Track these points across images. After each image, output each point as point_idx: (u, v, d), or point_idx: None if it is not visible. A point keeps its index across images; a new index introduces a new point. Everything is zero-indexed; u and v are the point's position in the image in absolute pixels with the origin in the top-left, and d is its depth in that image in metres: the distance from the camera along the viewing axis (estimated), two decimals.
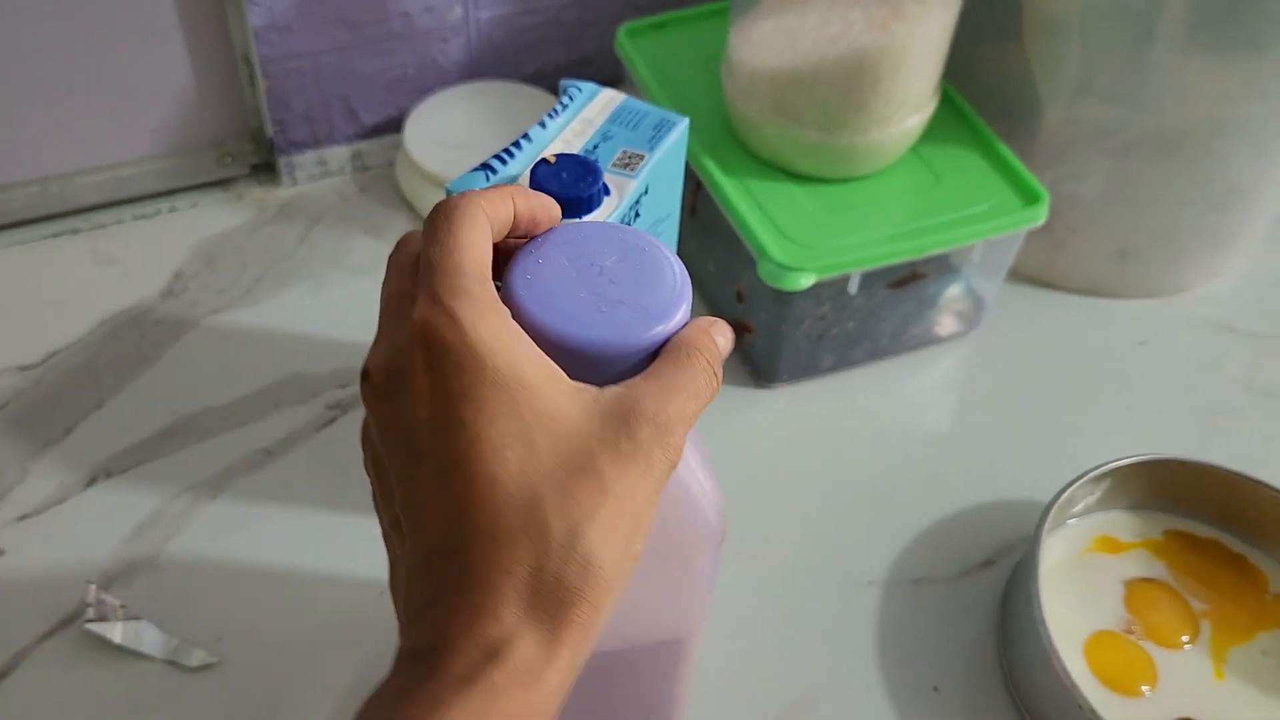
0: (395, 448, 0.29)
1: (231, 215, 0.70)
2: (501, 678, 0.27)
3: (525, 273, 0.31)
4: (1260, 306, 0.70)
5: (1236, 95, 0.61)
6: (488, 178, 0.43)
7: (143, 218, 0.70)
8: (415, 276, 0.30)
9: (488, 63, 0.77)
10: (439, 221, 0.30)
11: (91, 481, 0.57)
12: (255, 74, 0.68)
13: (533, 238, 0.32)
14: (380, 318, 0.31)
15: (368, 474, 0.32)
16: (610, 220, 0.43)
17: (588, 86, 0.47)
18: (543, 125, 0.45)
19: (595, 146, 0.45)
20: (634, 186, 0.44)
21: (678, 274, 0.32)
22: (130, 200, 0.70)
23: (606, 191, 0.43)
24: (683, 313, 0.31)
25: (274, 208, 0.71)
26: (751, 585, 0.55)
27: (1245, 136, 0.63)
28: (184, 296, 0.65)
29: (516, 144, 0.44)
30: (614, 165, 0.45)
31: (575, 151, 0.45)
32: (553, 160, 0.42)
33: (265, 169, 0.73)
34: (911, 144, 0.61)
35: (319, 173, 0.74)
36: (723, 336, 0.32)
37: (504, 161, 0.44)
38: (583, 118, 0.46)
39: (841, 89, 0.57)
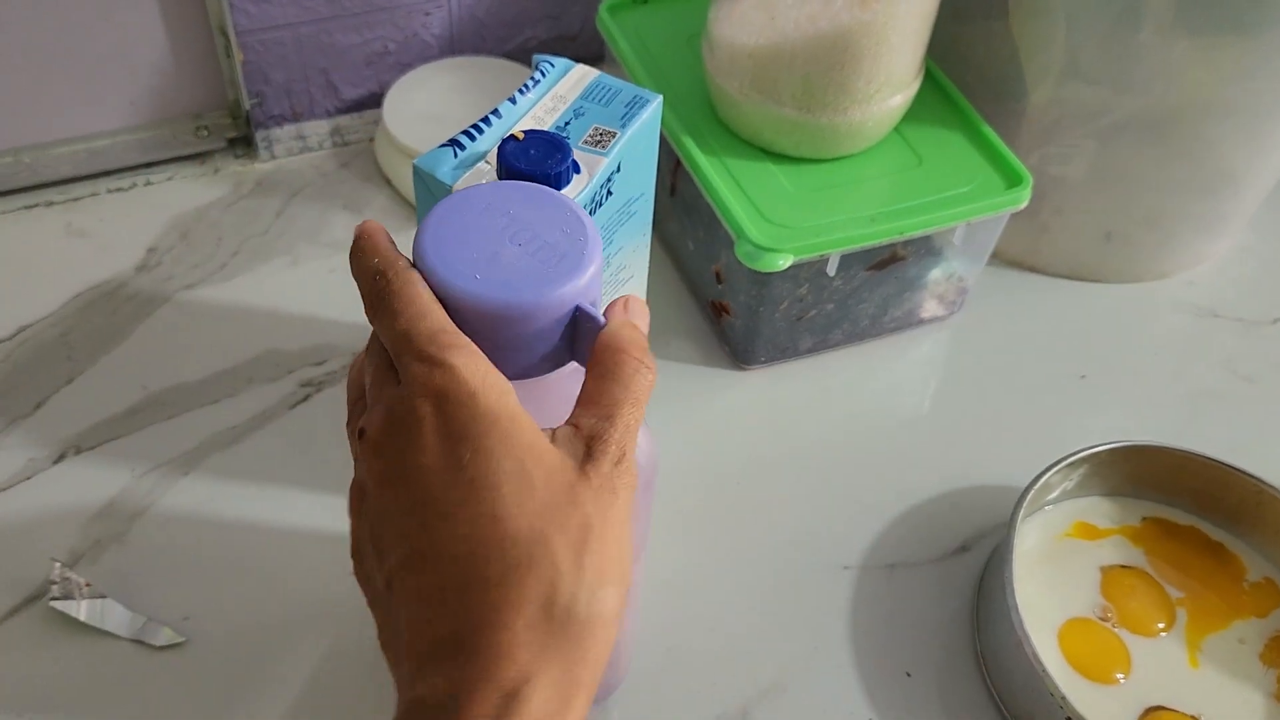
0: (397, 500, 0.30)
1: (208, 189, 0.70)
2: None
3: (438, 242, 0.32)
4: (1245, 292, 0.69)
5: (1223, 78, 0.60)
6: (456, 153, 0.42)
7: (118, 190, 0.69)
8: (387, 356, 0.31)
9: (469, 38, 0.76)
10: (387, 298, 0.31)
11: (60, 457, 0.56)
12: (232, 45, 0.67)
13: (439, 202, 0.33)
14: (349, 414, 0.33)
15: (355, 553, 0.32)
16: (580, 199, 0.42)
17: (560, 62, 0.47)
18: (513, 101, 0.45)
19: (567, 123, 0.44)
20: (605, 164, 0.43)
21: (588, 230, 0.33)
22: (105, 173, 0.70)
23: (576, 169, 0.43)
24: (591, 273, 0.32)
25: (251, 182, 0.70)
26: (725, 568, 0.54)
27: (1232, 120, 0.62)
28: (158, 271, 0.65)
29: (486, 120, 0.44)
30: (585, 142, 0.44)
31: (546, 128, 0.44)
32: (521, 137, 0.42)
33: (242, 143, 0.72)
34: (894, 124, 0.61)
35: (297, 147, 0.73)
36: (641, 318, 0.33)
37: (473, 138, 0.43)
38: (555, 94, 0.45)
39: (822, 67, 0.56)
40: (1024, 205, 0.59)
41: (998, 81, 0.64)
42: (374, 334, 0.32)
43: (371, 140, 0.74)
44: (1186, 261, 0.70)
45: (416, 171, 0.42)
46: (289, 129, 0.73)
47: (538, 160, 0.41)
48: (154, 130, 0.70)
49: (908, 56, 0.57)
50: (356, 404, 0.33)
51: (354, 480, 0.32)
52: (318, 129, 0.74)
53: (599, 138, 0.44)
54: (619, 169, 0.44)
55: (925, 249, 0.60)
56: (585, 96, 0.46)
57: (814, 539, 0.56)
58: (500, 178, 0.41)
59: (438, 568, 0.28)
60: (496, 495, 0.28)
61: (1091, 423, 0.62)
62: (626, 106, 0.45)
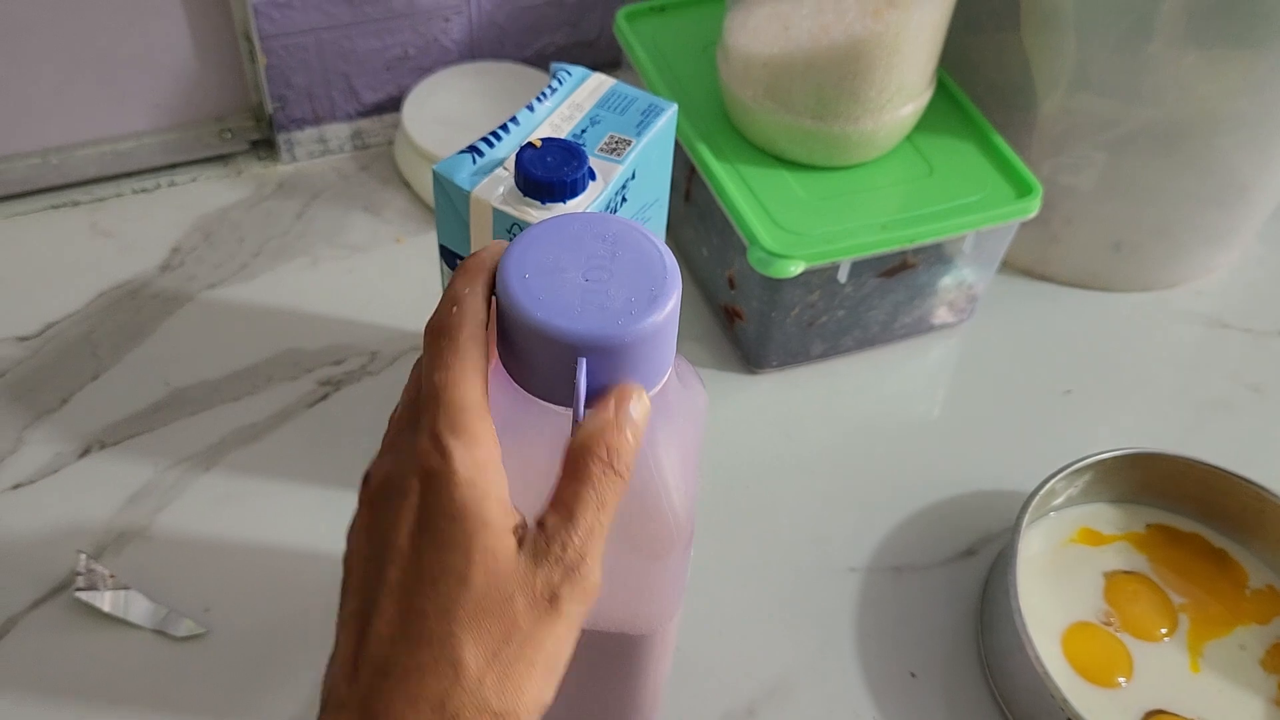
0: (366, 556, 0.31)
1: (231, 190, 0.71)
2: None
3: (523, 273, 0.30)
4: (1254, 302, 0.70)
5: (1233, 91, 0.60)
6: (474, 160, 0.44)
7: (142, 191, 0.71)
8: (419, 400, 0.31)
9: (489, 43, 0.77)
10: (439, 349, 0.30)
11: (85, 451, 0.57)
12: (255, 50, 0.68)
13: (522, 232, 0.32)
14: (390, 425, 0.33)
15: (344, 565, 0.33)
16: (595, 205, 0.43)
17: (577, 70, 0.48)
18: (530, 109, 0.46)
19: (583, 131, 0.46)
20: (620, 171, 0.44)
21: (666, 261, 0.31)
22: (130, 174, 0.71)
23: (592, 176, 0.44)
24: (674, 301, 0.30)
25: (273, 184, 0.72)
26: (733, 569, 0.55)
27: (1243, 132, 0.62)
28: (181, 270, 0.66)
29: (504, 127, 0.45)
30: (600, 150, 0.45)
31: (563, 136, 0.45)
32: (538, 144, 0.43)
33: (265, 145, 0.73)
34: (906, 133, 0.61)
35: (319, 150, 0.74)
36: (635, 415, 0.31)
37: (491, 144, 0.44)
38: (572, 102, 0.47)
39: (835, 76, 0.57)
40: (1034, 215, 0.60)
41: (1009, 91, 0.65)
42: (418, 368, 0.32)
43: (391, 143, 0.75)
44: (1195, 271, 0.71)
45: (436, 177, 0.43)
46: (310, 132, 0.74)
47: (554, 167, 0.42)
48: (178, 132, 0.71)
49: (920, 66, 0.58)
50: (412, 403, 0.33)
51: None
52: (338, 132, 0.75)
53: (614, 145, 0.45)
54: (634, 176, 0.45)
55: (936, 256, 0.61)
56: (601, 105, 0.47)
57: (821, 541, 0.57)
58: (518, 184, 0.42)
59: (366, 637, 0.30)
60: (433, 591, 0.29)
61: (1099, 430, 0.62)
62: (642, 115, 0.46)
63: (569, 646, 0.30)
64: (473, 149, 0.44)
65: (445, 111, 0.72)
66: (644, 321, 0.29)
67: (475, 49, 0.77)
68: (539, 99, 0.46)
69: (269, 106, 0.71)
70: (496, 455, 0.30)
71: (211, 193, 0.71)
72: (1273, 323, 0.69)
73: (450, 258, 0.46)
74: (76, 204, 0.69)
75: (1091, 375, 0.65)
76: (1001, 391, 0.64)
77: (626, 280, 0.30)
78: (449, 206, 0.44)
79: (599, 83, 0.47)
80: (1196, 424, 0.63)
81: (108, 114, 0.70)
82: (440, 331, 0.30)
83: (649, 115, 0.46)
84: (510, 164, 0.43)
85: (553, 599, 0.29)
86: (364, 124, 0.76)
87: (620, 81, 0.48)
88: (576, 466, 0.30)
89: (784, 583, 0.55)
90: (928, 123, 0.62)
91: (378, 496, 0.31)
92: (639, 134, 0.45)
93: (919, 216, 0.58)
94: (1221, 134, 0.63)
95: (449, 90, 0.73)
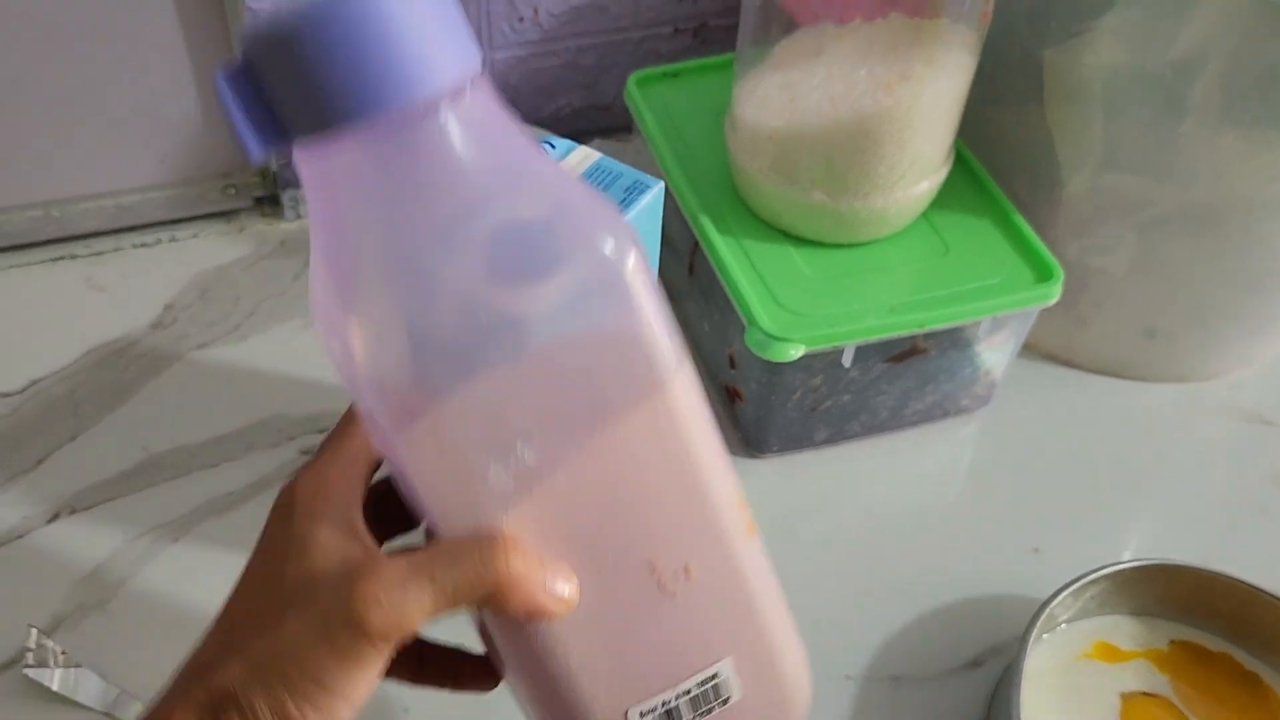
0: None
1: (231, 247, 0.70)
2: None
3: None
4: None
5: (1272, 174, 0.57)
6: None
7: (142, 246, 0.69)
8: None
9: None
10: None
11: (55, 516, 0.56)
12: None
13: None
14: None
15: None
16: None
17: (562, 143, 0.45)
18: None
19: None
20: None
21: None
22: (132, 228, 0.70)
23: None
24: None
25: (274, 241, 0.70)
26: None
27: None
28: (173, 329, 0.65)
29: None
30: None
31: None
32: None
33: (269, 201, 0.72)
34: (921, 210, 0.58)
35: None
36: (552, 583, 0.29)
37: None
38: None
39: (844, 152, 0.54)
40: (1054, 301, 0.56)
41: (1033, 168, 0.61)
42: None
43: None
44: (1234, 363, 0.67)
45: None
46: None
47: None
48: (183, 188, 0.70)
49: (935, 142, 0.55)
50: None
51: None
52: None
53: None
54: None
55: (950, 341, 0.57)
56: (587, 179, 0.44)
57: (817, 645, 0.52)
58: None
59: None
60: (236, 592, 0.32)
61: (1125, 532, 0.58)
62: (626, 191, 0.44)
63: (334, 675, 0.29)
64: None
65: None
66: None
67: None
68: None
69: (274, 163, 0.70)
70: (345, 490, 0.31)
71: (212, 249, 0.69)
72: None
73: None
74: (75, 257, 0.69)
75: (1118, 471, 0.61)
76: (1019, 486, 0.60)
77: None
78: None
79: (584, 156, 0.45)
80: (1230, 529, 0.59)
81: (112, 168, 0.69)
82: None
83: (633, 192, 0.44)
84: None
85: (327, 628, 0.28)
86: None
87: (605, 156, 0.45)
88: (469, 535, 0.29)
89: None
90: (945, 198, 0.59)
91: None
92: (624, 210, 0.43)
93: (931, 299, 0.55)
94: (1260, 218, 0.59)
95: None
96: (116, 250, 0.69)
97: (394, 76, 0.24)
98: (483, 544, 0.29)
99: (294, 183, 0.72)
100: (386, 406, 0.27)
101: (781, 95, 0.55)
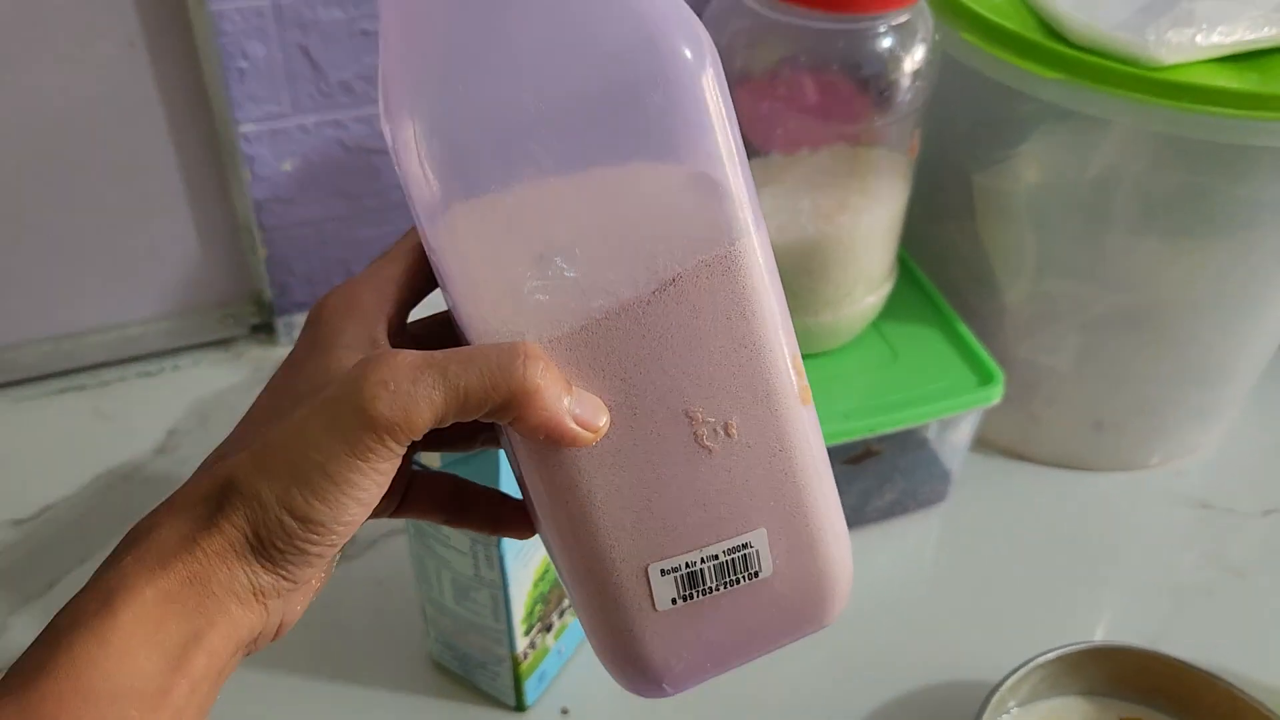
0: None
1: (230, 373, 0.74)
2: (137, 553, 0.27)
3: None
4: (1238, 482, 0.69)
5: (1196, 277, 0.62)
6: None
7: (146, 375, 0.74)
8: None
9: None
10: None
11: None
12: (256, 242, 0.72)
13: None
14: None
15: None
16: None
17: None
18: None
19: None
20: None
21: None
22: (136, 359, 0.74)
23: None
24: None
25: (270, 365, 0.74)
26: None
27: (1211, 315, 0.63)
28: (176, 454, 0.68)
29: None
30: None
31: None
32: None
33: (264, 328, 0.77)
34: (869, 320, 0.63)
35: None
36: (577, 406, 0.28)
37: None
38: None
39: (792, 274, 0.59)
40: (996, 402, 0.61)
41: (977, 277, 0.66)
42: None
43: None
44: (1178, 450, 0.71)
45: None
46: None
47: None
48: (182, 319, 0.75)
49: (876, 260, 0.60)
50: None
51: None
52: None
53: None
54: None
55: (902, 443, 0.61)
56: None
57: None
58: None
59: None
60: (261, 395, 0.31)
61: (1075, 616, 0.62)
62: None
63: (342, 470, 0.27)
64: None
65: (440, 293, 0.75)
66: None
67: None
68: None
69: (269, 294, 0.75)
70: (373, 301, 0.31)
71: (211, 376, 0.74)
72: (1257, 503, 0.68)
73: None
74: (83, 388, 0.73)
75: (1070, 558, 0.65)
76: (975, 576, 0.64)
77: None
78: None
79: None
80: (1175, 610, 0.62)
81: (116, 302, 0.74)
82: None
83: None
84: None
85: (334, 409, 0.27)
86: None
87: None
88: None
89: None
90: (893, 308, 0.64)
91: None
92: None
93: (882, 405, 0.59)
94: (1193, 316, 0.63)
95: None
96: (122, 380, 0.73)
97: None
98: (502, 348, 0.27)
99: (290, 309, 0.77)
100: (435, 194, 0.27)
101: None
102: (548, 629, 0.55)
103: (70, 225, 0.70)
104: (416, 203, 0.28)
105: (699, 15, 0.29)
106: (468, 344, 0.29)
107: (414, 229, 0.31)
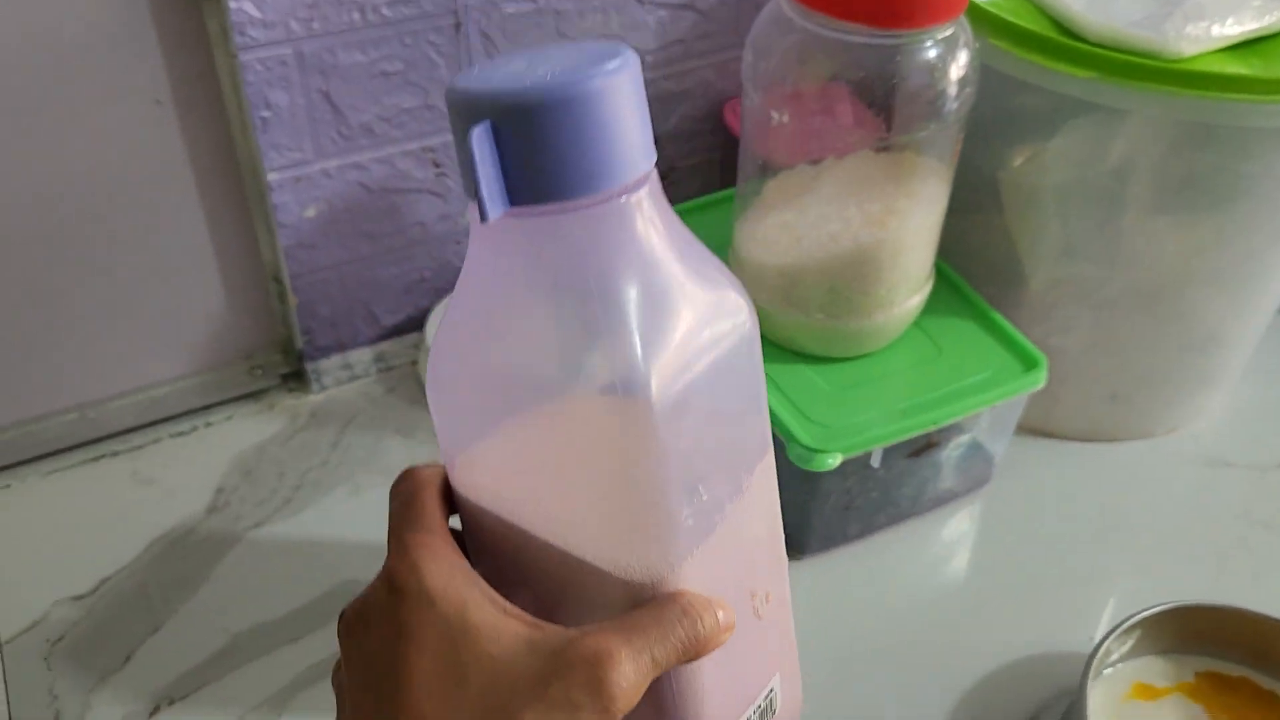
0: (352, 681, 0.32)
1: (266, 425, 0.73)
2: None
3: (474, 69, 0.28)
4: (1250, 440, 0.74)
5: (1201, 249, 0.66)
6: None
7: (179, 435, 0.72)
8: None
9: None
10: (400, 489, 0.34)
11: (155, 710, 0.58)
12: (286, 291, 0.72)
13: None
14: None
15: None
16: None
17: None
18: None
19: None
20: None
21: (621, 48, 0.28)
22: (166, 419, 0.73)
23: None
24: (614, 68, 0.26)
25: (305, 414, 0.74)
26: None
27: (1212, 285, 0.67)
28: (227, 511, 0.67)
29: None
30: None
31: None
32: None
33: (294, 377, 0.76)
34: (913, 320, 0.66)
35: (345, 376, 0.77)
36: (721, 610, 0.32)
37: None
38: None
39: (845, 279, 0.61)
40: (1042, 386, 0.64)
41: (1000, 268, 0.69)
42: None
43: (414, 363, 0.78)
44: (1189, 416, 0.75)
45: None
46: (335, 359, 0.77)
47: None
48: (210, 375, 0.74)
49: (922, 261, 0.63)
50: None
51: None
52: (362, 357, 0.78)
53: None
54: None
55: (955, 431, 0.64)
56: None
57: None
58: None
59: None
60: (425, 695, 0.29)
61: (1126, 580, 0.65)
62: None
63: None
64: None
65: None
66: (557, 82, 0.25)
67: None
68: None
69: (299, 342, 0.74)
70: (462, 567, 0.31)
71: (247, 430, 0.73)
72: (1271, 457, 0.73)
73: None
74: (116, 454, 0.71)
75: (1109, 525, 0.68)
76: (1028, 552, 0.67)
77: (566, 63, 0.26)
78: None
79: None
80: (1220, 567, 0.66)
81: (141, 364, 0.72)
82: (401, 493, 0.33)
83: None
84: None
85: (568, 705, 0.28)
86: (385, 347, 0.79)
87: None
88: (656, 600, 0.30)
89: None
90: (931, 306, 0.66)
91: (356, 625, 0.32)
92: None
93: (937, 398, 0.62)
94: (1195, 288, 0.67)
95: None
96: (155, 442, 0.72)
97: (615, 161, 0.27)
98: (674, 610, 0.30)
99: (317, 355, 0.76)
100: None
101: (784, 235, 0.61)
102: None
103: (91, 290, 0.68)
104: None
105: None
106: (595, 568, 0.31)
107: (417, 472, 0.34)
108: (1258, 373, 0.77)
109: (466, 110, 0.26)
